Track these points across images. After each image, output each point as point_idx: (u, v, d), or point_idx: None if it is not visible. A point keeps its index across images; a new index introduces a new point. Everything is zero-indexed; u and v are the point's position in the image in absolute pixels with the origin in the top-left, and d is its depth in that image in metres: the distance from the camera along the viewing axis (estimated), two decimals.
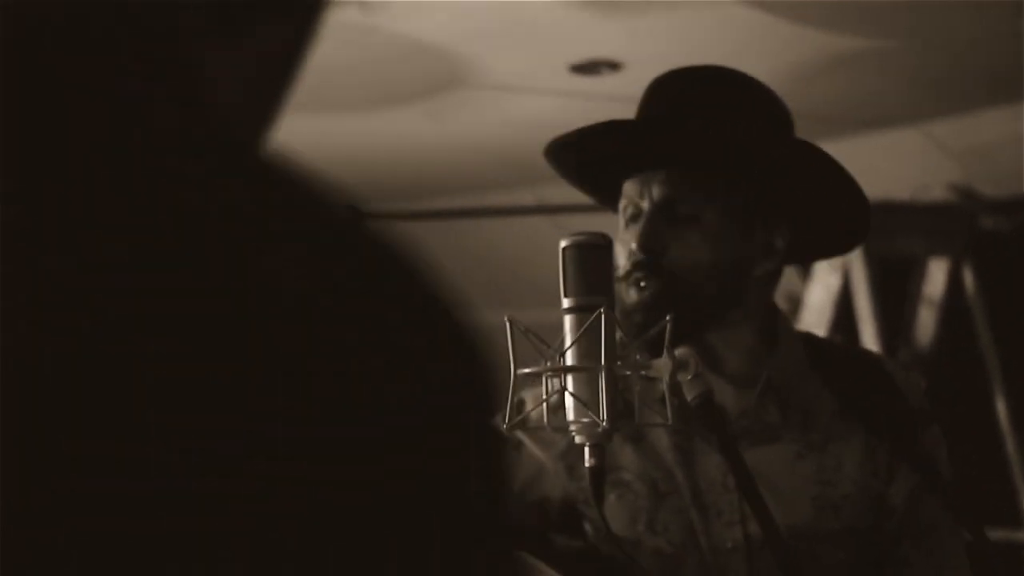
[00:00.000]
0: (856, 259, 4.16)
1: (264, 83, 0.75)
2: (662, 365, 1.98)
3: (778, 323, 2.13)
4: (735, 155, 2.04)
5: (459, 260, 5.35)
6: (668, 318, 1.94)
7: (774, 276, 2.10)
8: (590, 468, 1.96)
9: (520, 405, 2.20)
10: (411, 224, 4.33)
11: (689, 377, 1.99)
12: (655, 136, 2.07)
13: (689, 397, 1.99)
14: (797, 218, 2.07)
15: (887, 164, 4.39)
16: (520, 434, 2.17)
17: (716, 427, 2.00)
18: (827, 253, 2.36)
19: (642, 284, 2.02)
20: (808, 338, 2.20)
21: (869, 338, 4.02)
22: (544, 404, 2.00)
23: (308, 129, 4.38)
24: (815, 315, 4.09)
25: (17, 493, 0.62)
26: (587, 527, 2.15)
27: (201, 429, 0.63)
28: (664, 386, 1.96)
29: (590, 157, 2.12)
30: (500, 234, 4.92)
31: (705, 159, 2.04)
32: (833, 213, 2.10)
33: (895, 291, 4.31)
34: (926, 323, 4.36)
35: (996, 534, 4.20)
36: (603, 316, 1.91)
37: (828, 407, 2.08)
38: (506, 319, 1.96)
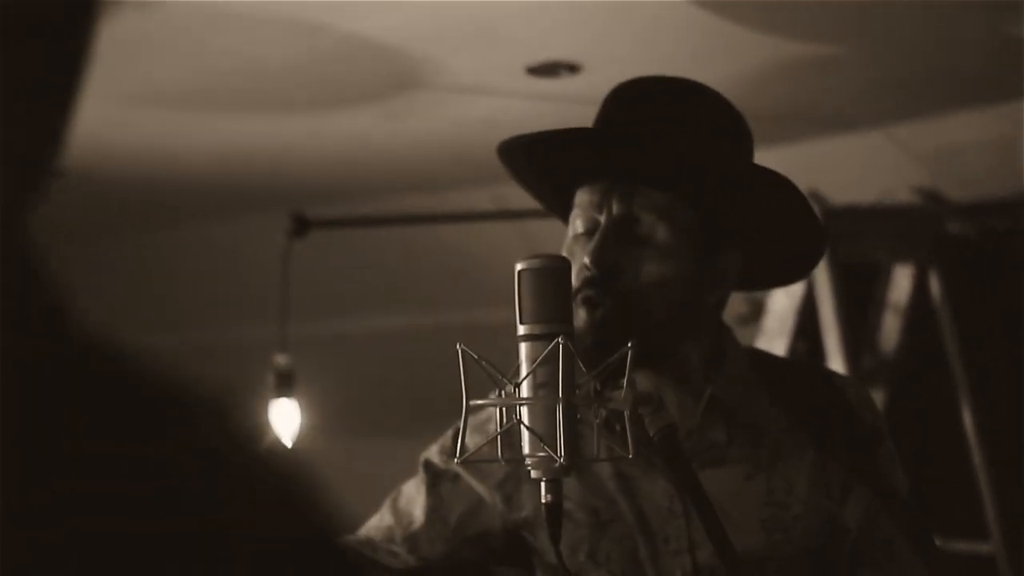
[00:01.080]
0: (820, 265, 4.08)
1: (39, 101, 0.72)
2: (624, 398, 1.90)
3: (724, 339, 2.04)
4: (699, 175, 1.95)
5: (412, 261, 5.28)
6: (630, 345, 1.85)
7: (724, 301, 2.02)
8: (547, 505, 1.87)
9: (456, 436, 2.13)
10: (366, 229, 4.24)
11: (651, 410, 1.90)
12: (619, 148, 1.97)
13: (652, 431, 1.91)
14: (751, 244, 1.99)
15: (852, 167, 4.33)
16: (456, 466, 2.08)
17: (678, 462, 1.91)
18: (778, 281, 2.28)
19: (593, 304, 1.92)
20: (755, 353, 2.11)
21: (833, 345, 3.94)
22: (498, 437, 1.92)
23: (258, 130, 4.27)
24: (778, 321, 4.01)
25: (17, 493, 0.62)
26: (534, 560, 2.07)
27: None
28: (625, 418, 1.86)
29: (546, 161, 2.02)
30: (455, 234, 4.84)
31: (669, 177, 1.94)
32: (788, 240, 2.01)
33: (860, 297, 4.23)
34: (891, 330, 4.29)
35: (961, 546, 4.14)
36: (561, 346, 1.83)
37: (777, 424, 2.00)
38: (458, 347, 1.88)
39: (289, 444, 3.34)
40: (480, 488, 2.07)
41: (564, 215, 2.03)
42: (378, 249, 5.00)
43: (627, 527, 1.99)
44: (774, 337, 3.99)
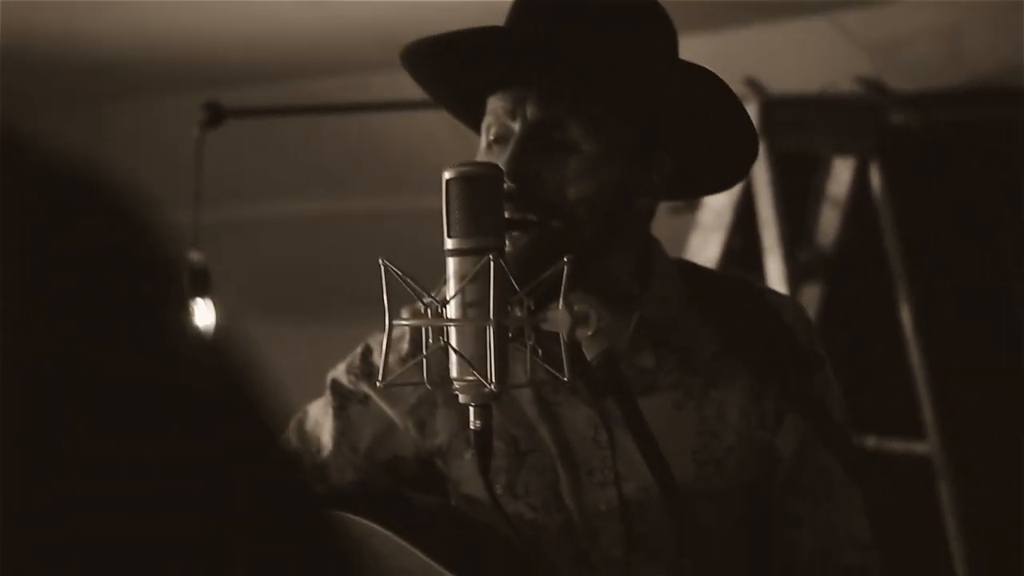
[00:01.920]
0: (758, 157, 3.98)
1: None
2: (560, 319, 1.77)
3: (653, 253, 1.92)
4: (618, 75, 1.82)
5: (331, 144, 5.14)
6: (565, 260, 1.73)
7: (652, 211, 1.91)
8: (476, 432, 1.77)
9: (367, 354, 2.01)
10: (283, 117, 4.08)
11: (589, 333, 1.78)
12: (530, 50, 1.82)
13: (589, 356, 1.79)
14: (680, 146, 1.87)
15: (794, 54, 4.22)
16: (366, 388, 1.98)
17: (617, 389, 1.79)
18: (709, 188, 2.16)
19: (512, 219, 1.80)
20: (685, 267, 1.99)
21: (771, 240, 3.83)
22: (423, 359, 1.81)
23: (170, 8, 4.11)
24: (714, 215, 3.89)
25: (17, 493, 0.63)
26: (448, 488, 1.97)
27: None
28: (562, 341, 1.75)
29: (453, 67, 1.87)
30: (377, 118, 4.71)
31: (587, 78, 1.80)
32: (718, 142, 1.89)
33: (798, 189, 4.13)
34: (830, 223, 4.20)
35: (897, 445, 4.09)
36: (492, 263, 1.70)
37: (709, 348, 1.90)
38: (380, 262, 1.76)
39: None
40: (391, 412, 1.96)
41: (477, 125, 1.89)
42: (295, 132, 4.86)
43: (548, 457, 1.89)
44: (710, 231, 3.88)
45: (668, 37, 1.88)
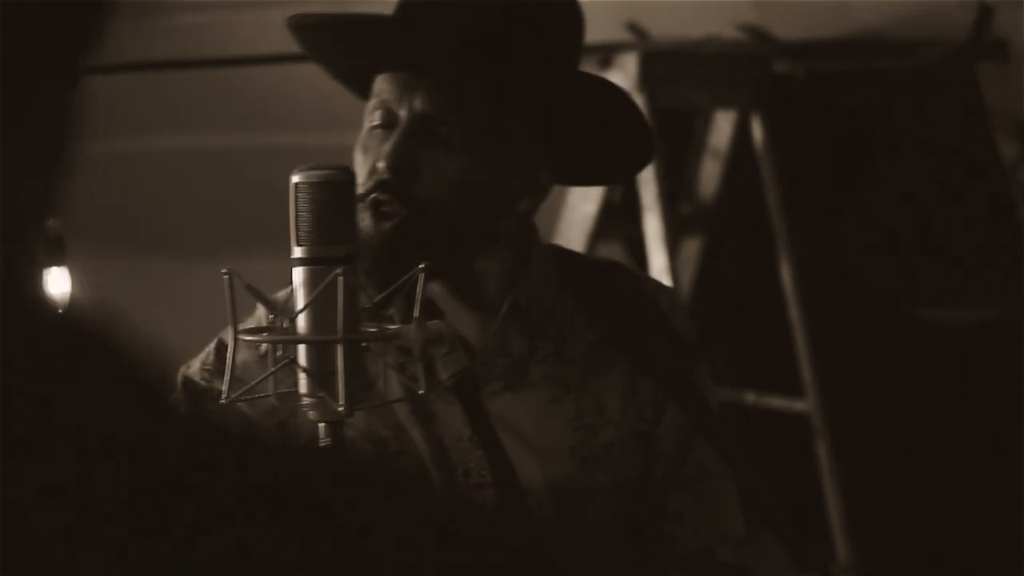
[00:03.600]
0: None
1: None
2: (412, 336, 1.69)
3: (531, 243, 1.87)
4: (507, 79, 1.78)
5: (205, 83, 4.99)
6: (421, 267, 1.66)
7: (535, 209, 1.85)
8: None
9: (221, 351, 1.93)
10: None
11: (444, 352, 1.72)
12: (417, 42, 1.78)
13: (444, 375, 1.73)
14: (574, 149, 1.83)
15: (679, 1, 4.12)
16: (220, 387, 1.89)
17: (469, 405, 1.77)
18: (603, 179, 2.14)
19: (383, 210, 1.74)
20: (559, 253, 1.94)
21: (650, 197, 3.76)
22: (271, 374, 1.72)
23: None
24: None
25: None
26: None
27: None
28: (416, 356, 1.69)
29: (340, 46, 1.85)
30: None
31: (476, 79, 1.76)
32: (610, 143, 1.86)
33: (677, 140, 4.07)
34: (710, 176, 4.14)
35: (776, 402, 4.07)
36: (341, 280, 1.63)
37: (585, 337, 1.85)
38: (224, 273, 1.67)
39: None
40: (251, 414, 1.87)
41: (364, 95, 1.83)
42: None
43: (418, 459, 1.83)
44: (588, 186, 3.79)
45: (570, 37, 1.83)
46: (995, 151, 3.74)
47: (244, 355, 1.80)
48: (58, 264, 3.01)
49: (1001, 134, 3.74)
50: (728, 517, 1.89)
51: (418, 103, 1.74)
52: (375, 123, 1.78)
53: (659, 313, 1.87)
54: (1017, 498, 3.67)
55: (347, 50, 1.84)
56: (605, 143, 1.84)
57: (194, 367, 1.92)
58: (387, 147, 1.74)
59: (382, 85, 1.78)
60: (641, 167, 1.94)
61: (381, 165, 1.74)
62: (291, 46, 1.93)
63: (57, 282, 3.02)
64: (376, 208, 1.74)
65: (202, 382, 1.90)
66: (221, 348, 1.92)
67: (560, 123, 1.80)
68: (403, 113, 1.75)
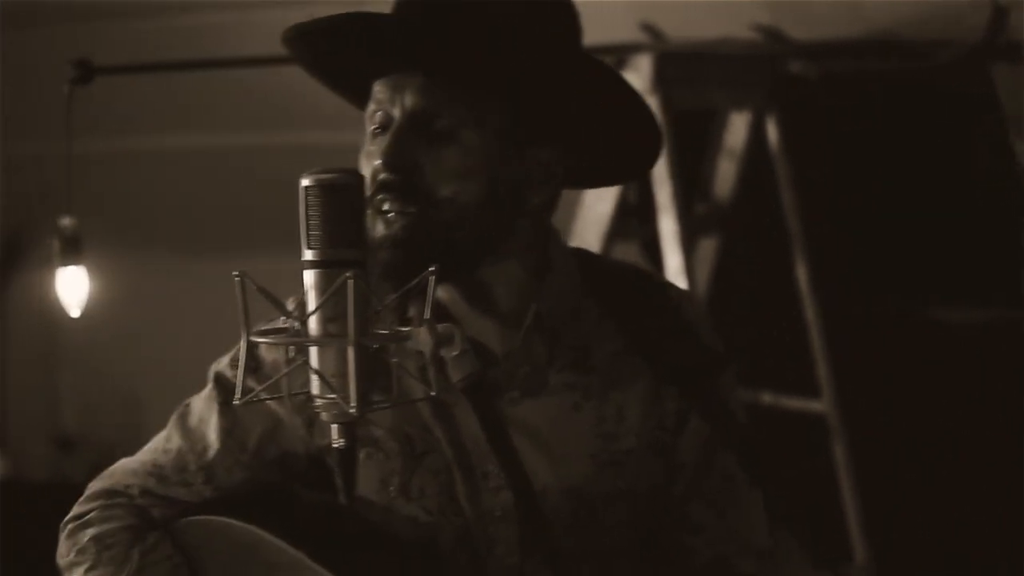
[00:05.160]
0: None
1: None
2: (423, 339, 1.70)
3: (552, 246, 1.85)
4: (502, 67, 1.75)
5: (212, 83, 5.00)
6: (432, 270, 1.65)
7: (551, 203, 1.82)
8: (340, 450, 1.68)
9: (252, 347, 1.93)
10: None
11: (455, 353, 1.72)
12: (406, 38, 1.76)
13: (455, 378, 1.74)
14: (579, 139, 1.80)
15: (694, 2, 4.13)
16: (254, 384, 1.87)
17: (484, 411, 1.76)
18: (613, 179, 2.11)
19: (389, 213, 1.73)
20: (583, 257, 1.92)
21: (665, 198, 3.76)
22: (285, 377, 1.70)
23: None
24: None
25: None
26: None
27: None
28: (426, 359, 1.73)
29: (334, 52, 1.81)
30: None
31: (465, 69, 1.73)
32: (619, 135, 1.83)
33: (693, 140, 4.07)
34: (726, 176, 4.14)
35: (792, 403, 4.07)
36: (351, 283, 1.61)
37: (608, 345, 1.84)
38: (235, 276, 1.65)
39: (76, 314, 3.11)
40: (280, 410, 1.89)
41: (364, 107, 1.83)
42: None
43: (443, 460, 1.83)
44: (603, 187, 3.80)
45: (562, 27, 1.80)
46: (1010, 151, 3.74)
47: (273, 354, 1.83)
48: (75, 263, 3.03)
49: (1015, 135, 3.74)
50: (751, 528, 1.87)
51: (409, 100, 1.73)
52: (374, 126, 1.78)
53: (683, 321, 1.86)
54: None
55: (344, 54, 1.80)
56: (612, 132, 1.81)
57: (223, 363, 1.94)
58: (383, 147, 1.74)
59: (377, 90, 1.77)
60: (651, 159, 1.89)
61: (379, 165, 1.74)
62: None
63: (73, 281, 3.05)
64: (382, 211, 1.74)
65: (232, 378, 1.91)
66: (252, 345, 1.93)
67: (564, 110, 1.78)
68: (396, 112, 1.75)
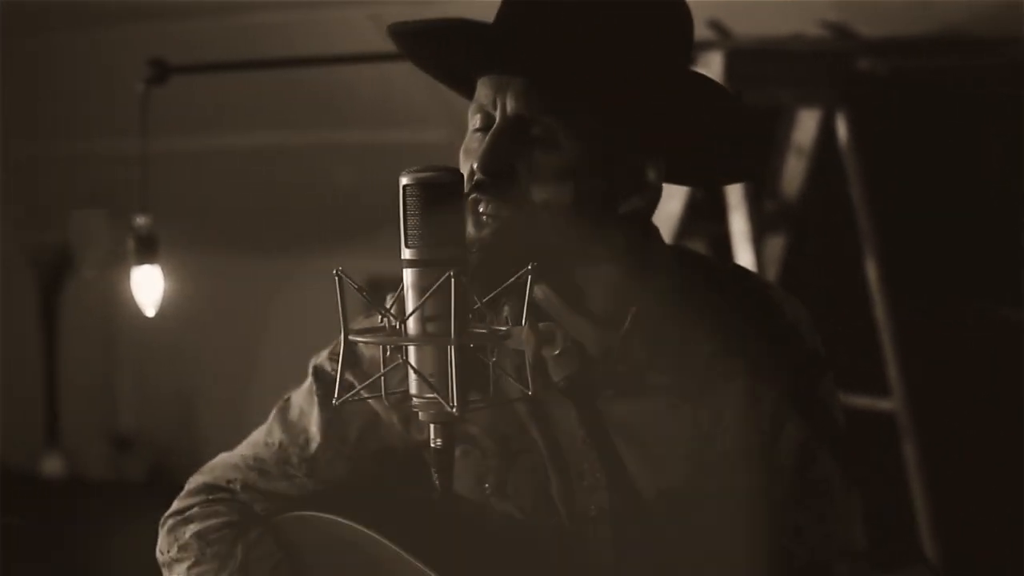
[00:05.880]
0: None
1: None
2: (524, 338, 1.70)
3: (651, 246, 1.84)
4: (603, 79, 1.74)
5: (282, 81, 5.03)
6: (529, 268, 1.64)
7: (648, 208, 1.81)
8: (437, 450, 1.67)
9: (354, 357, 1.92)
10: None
11: (556, 352, 1.72)
12: (509, 44, 1.76)
13: (557, 377, 1.74)
14: (676, 148, 1.78)
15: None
16: (352, 379, 1.88)
17: (581, 407, 1.77)
18: (709, 183, 2.09)
19: (482, 215, 1.73)
20: (685, 256, 1.90)
21: (735, 197, 3.75)
22: (381, 376, 1.69)
23: None
24: None
25: None
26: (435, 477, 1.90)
27: None
28: (526, 359, 1.71)
29: (439, 52, 1.81)
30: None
31: (566, 79, 1.73)
32: (717, 144, 1.81)
33: (762, 137, 4.05)
34: (794, 174, 4.12)
35: (862, 401, 4.05)
36: (453, 280, 1.60)
37: (706, 345, 1.82)
38: (335, 273, 1.64)
39: (152, 313, 3.12)
40: (377, 407, 1.89)
41: (470, 96, 1.83)
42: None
43: (539, 459, 1.82)
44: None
45: (671, 40, 1.79)
46: None
47: (372, 350, 1.83)
48: (150, 262, 3.04)
49: None
50: (848, 533, 1.86)
51: (510, 104, 1.74)
52: (475, 126, 1.78)
53: (784, 324, 1.84)
54: None
55: (447, 57, 1.81)
56: (711, 145, 1.79)
57: (323, 357, 1.94)
58: (480, 150, 1.74)
59: (481, 88, 1.77)
60: (745, 175, 1.89)
61: (475, 166, 1.74)
62: (376, 45, 1.93)
63: (149, 280, 3.06)
64: (476, 211, 1.74)
65: (332, 372, 1.91)
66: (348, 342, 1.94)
67: (663, 122, 1.76)
68: (497, 114, 1.75)
